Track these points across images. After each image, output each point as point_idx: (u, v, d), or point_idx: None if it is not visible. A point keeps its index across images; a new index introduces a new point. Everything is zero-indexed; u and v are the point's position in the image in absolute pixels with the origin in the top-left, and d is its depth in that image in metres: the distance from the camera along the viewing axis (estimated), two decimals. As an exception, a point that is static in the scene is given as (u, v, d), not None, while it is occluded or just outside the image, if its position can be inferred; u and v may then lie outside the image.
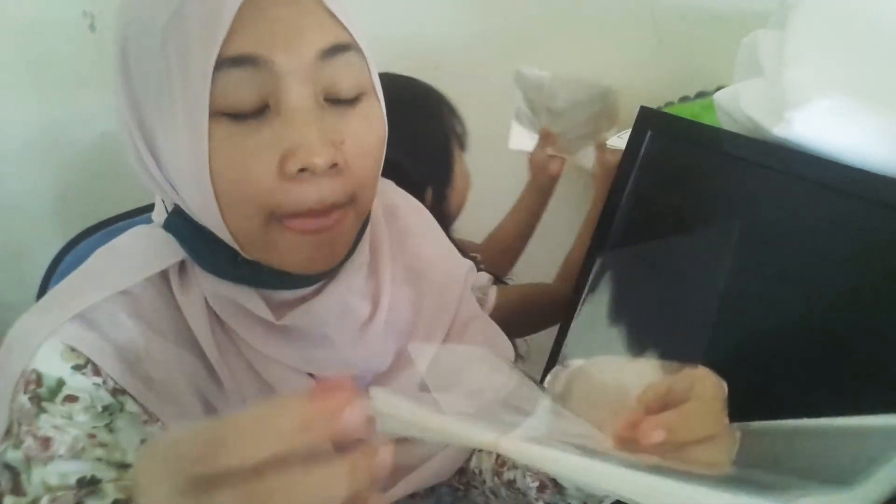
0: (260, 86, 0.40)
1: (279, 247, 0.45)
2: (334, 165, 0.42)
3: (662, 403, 0.37)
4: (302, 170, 0.41)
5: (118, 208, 0.80)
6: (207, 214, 0.44)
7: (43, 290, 0.75)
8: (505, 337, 0.65)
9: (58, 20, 0.95)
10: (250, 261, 0.47)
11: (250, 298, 0.48)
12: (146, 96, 0.43)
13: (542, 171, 1.06)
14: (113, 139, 1.04)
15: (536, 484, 0.50)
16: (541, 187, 1.08)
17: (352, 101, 0.44)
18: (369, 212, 0.52)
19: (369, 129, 0.45)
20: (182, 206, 0.47)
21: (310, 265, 0.46)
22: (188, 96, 0.40)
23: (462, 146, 0.92)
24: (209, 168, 0.41)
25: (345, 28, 0.43)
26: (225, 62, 0.39)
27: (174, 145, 0.42)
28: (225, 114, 0.41)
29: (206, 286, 0.48)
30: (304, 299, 0.50)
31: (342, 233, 0.46)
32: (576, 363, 0.45)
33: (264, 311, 0.48)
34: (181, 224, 0.48)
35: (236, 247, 0.46)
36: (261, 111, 0.41)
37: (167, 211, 0.50)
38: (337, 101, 0.43)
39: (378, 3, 1.09)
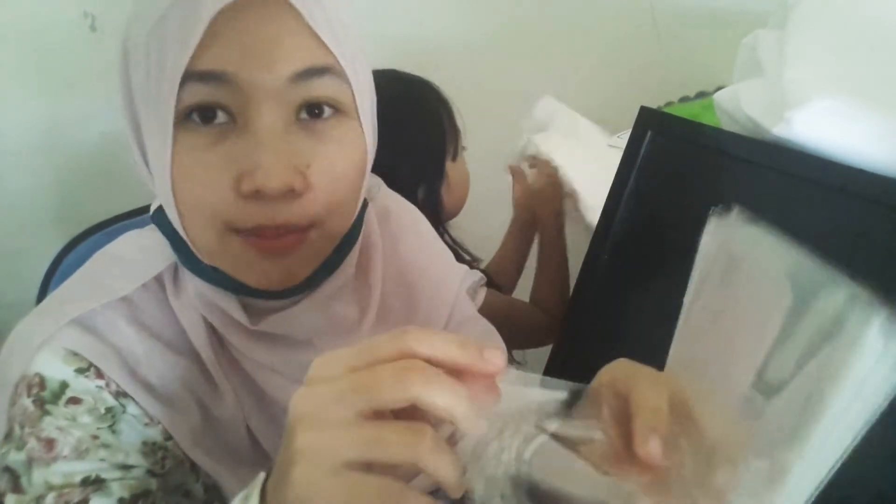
0: (227, 101, 0.40)
1: (234, 260, 0.45)
2: (291, 190, 0.41)
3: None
4: (255, 191, 0.40)
5: (118, 208, 0.80)
6: (171, 217, 0.45)
7: (43, 290, 0.75)
8: (500, 338, 0.65)
9: (58, 20, 0.95)
10: None
11: (227, 301, 0.48)
12: (136, 95, 0.43)
13: (526, 208, 1.00)
14: (113, 139, 1.04)
15: None
16: (523, 225, 1.01)
17: (325, 125, 0.43)
18: (353, 232, 0.51)
19: (342, 153, 0.45)
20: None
21: (265, 282, 0.45)
22: (158, 103, 0.40)
23: (457, 146, 0.91)
24: (171, 174, 0.41)
25: (327, 49, 0.42)
26: (193, 75, 0.39)
27: (151, 146, 0.43)
28: (191, 125, 0.41)
29: (193, 289, 0.49)
30: (283, 306, 0.49)
31: (301, 255, 0.45)
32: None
33: (240, 315, 0.48)
34: (165, 220, 0.48)
35: (195, 251, 0.46)
36: (226, 125, 0.41)
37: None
38: (310, 123, 0.43)
39: (378, 3, 1.09)
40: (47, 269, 0.75)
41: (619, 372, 0.34)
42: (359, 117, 0.46)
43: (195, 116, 0.41)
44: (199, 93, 0.40)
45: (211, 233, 0.43)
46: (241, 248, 0.43)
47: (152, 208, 0.51)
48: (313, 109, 0.43)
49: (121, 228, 0.75)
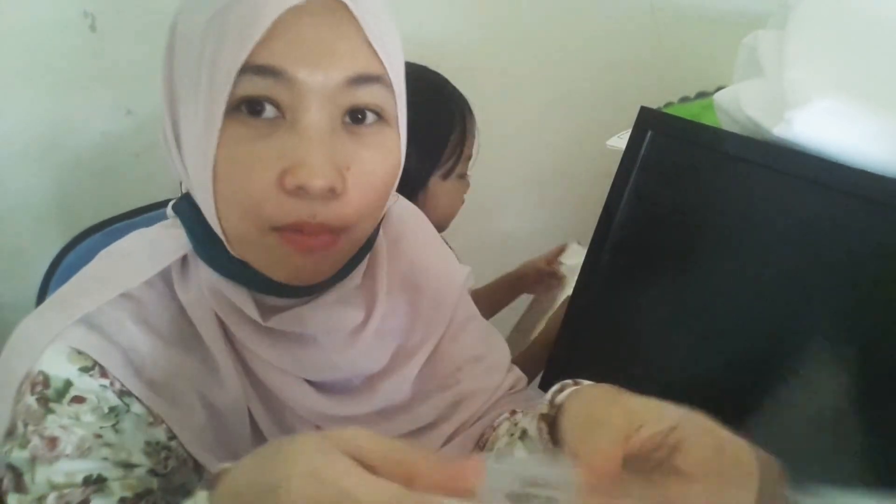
0: (280, 98, 0.41)
1: (268, 254, 0.45)
2: (332, 190, 0.42)
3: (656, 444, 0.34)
4: (299, 187, 0.41)
5: (118, 208, 0.80)
6: (205, 206, 0.45)
7: (43, 290, 0.75)
8: (502, 339, 0.65)
9: (58, 21, 0.95)
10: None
11: (240, 296, 0.48)
12: (180, 80, 0.44)
13: (531, 281, 1.07)
14: (113, 139, 1.04)
15: None
16: (514, 286, 1.09)
17: (367, 130, 0.45)
18: (368, 240, 0.51)
19: (380, 159, 0.46)
20: (191, 192, 0.48)
21: (295, 278, 0.46)
22: (210, 92, 0.41)
23: (454, 168, 0.89)
24: (213, 164, 0.42)
25: (379, 60, 0.43)
26: (250, 68, 0.40)
27: (191, 133, 0.43)
28: (240, 116, 0.41)
29: (204, 281, 0.49)
30: (293, 305, 0.50)
31: (329, 255, 0.46)
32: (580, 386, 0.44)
33: (252, 311, 0.48)
34: (188, 208, 0.49)
35: (225, 243, 0.46)
36: (275, 121, 0.42)
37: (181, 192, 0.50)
38: (353, 127, 0.44)
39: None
40: (47, 269, 0.75)
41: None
42: (397, 126, 0.47)
43: (244, 108, 0.41)
44: (253, 86, 0.40)
45: (249, 226, 0.44)
46: (277, 244, 0.44)
47: (170, 205, 0.52)
48: (357, 114, 0.44)
49: (121, 228, 0.75)
